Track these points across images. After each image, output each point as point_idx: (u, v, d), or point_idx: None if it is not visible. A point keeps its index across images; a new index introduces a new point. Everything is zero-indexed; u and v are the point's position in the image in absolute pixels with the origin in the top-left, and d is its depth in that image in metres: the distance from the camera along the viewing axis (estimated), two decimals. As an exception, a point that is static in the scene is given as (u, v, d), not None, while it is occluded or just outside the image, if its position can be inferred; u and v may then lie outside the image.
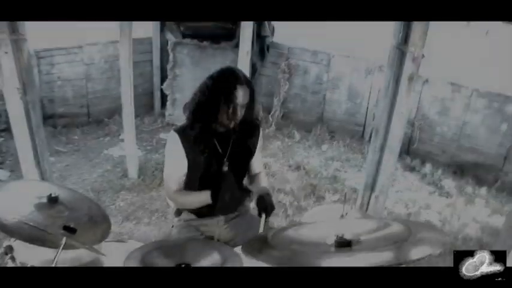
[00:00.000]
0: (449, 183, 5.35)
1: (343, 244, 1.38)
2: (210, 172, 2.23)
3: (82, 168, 5.06)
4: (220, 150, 2.23)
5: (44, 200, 1.91)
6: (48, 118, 5.73)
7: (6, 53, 3.00)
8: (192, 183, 2.28)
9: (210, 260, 1.81)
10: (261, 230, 2.14)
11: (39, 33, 4.49)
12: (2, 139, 5.33)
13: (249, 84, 2.14)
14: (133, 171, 4.84)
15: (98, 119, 6.28)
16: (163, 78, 6.60)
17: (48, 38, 5.49)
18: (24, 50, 3.08)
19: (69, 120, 6.02)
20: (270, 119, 6.63)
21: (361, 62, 6.16)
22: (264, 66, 6.74)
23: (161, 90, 6.64)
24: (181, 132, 2.19)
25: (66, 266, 1.84)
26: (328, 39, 6.64)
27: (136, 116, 5.66)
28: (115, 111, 6.21)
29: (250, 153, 2.40)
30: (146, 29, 6.33)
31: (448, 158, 5.72)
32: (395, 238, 1.35)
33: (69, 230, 1.74)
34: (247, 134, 2.31)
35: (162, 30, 6.36)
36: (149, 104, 6.83)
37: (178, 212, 2.47)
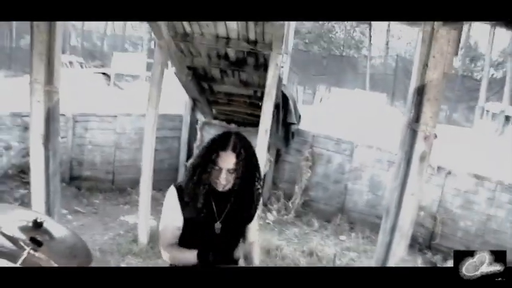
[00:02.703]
0: (473, 282, 4.94)
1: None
2: (201, 231, 2.20)
3: (95, 229, 5.12)
4: (215, 212, 2.20)
5: (30, 224, 1.94)
6: (74, 179, 5.95)
7: (38, 101, 3.29)
8: (185, 240, 2.24)
9: None
10: None
11: (79, 99, 4.85)
12: (27, 191, 5.49)
13: (237, 150, 2.07)
14: (143, 237, 4.82)
15: (122, 187, 6.45)
16: (189, 155, 6.79)
17: (85, 104, 5.91)
18: (54, 100, 3.35)
19: (93, 184, 6.23)
20: (290, 205, 6.57)
21: (384, 153, 6.17)
22: (287, 153, 6.85)
23: (186, 166, 6.80)
24: (180, 187, 2.19)
25: (65, 266, 1.79)
26: (352, 128, 6.75)
27: (159, 189, 5.80)
28: (138, 181, 6.37)
29: (246, 219, 2.33)
30: (178, 107, 6.70)
31: (473, 255, 5.33)
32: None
33: (35, 241, 1.73)
34: (246, 200, 2.24)
35: (193, 109, 6.72)
36: (173, 179, 6.94)
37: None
